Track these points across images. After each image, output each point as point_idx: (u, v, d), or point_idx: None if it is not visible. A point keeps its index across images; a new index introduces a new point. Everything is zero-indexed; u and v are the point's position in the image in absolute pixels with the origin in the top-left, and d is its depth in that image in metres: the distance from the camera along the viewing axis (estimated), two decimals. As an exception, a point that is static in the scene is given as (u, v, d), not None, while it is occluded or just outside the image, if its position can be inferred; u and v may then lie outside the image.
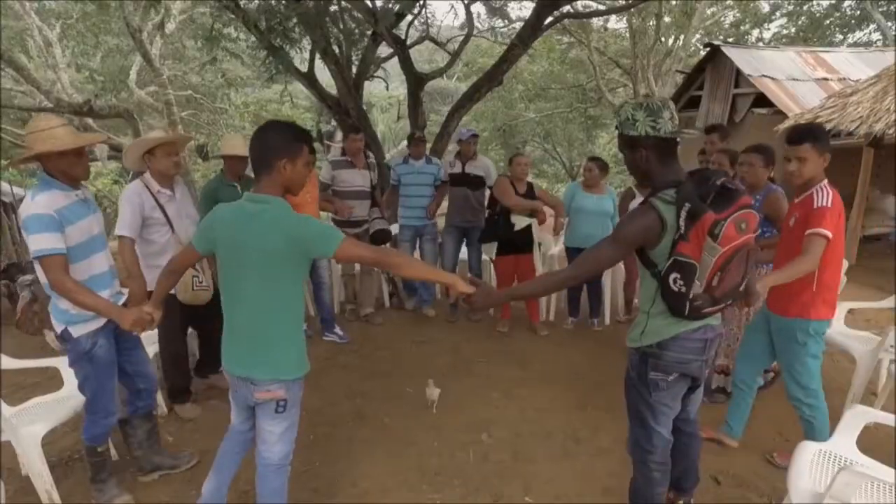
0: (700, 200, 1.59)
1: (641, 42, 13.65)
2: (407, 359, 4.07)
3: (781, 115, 7.80)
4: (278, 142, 1.76)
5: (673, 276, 1.65)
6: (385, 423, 3.13)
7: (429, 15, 7.59)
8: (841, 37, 18.21)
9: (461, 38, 9.22)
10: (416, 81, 6.76)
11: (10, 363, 2.79)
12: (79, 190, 2.23)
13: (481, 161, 4.69)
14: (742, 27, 17.79)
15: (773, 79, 8.57)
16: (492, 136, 19.83)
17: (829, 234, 2.19)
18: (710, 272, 1.60)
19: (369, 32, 6.35)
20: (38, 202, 2.04)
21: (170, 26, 11.44)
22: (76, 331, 2.21)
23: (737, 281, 1.68)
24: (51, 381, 3.09)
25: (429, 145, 7.09)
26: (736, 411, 2.79)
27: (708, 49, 9.53)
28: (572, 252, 4.46)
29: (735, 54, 8.95)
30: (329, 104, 6.94)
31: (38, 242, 2.01)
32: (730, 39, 13.36)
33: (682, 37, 13.77)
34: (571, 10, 5.86)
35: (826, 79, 8.89)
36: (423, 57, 18.99)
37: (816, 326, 2.37)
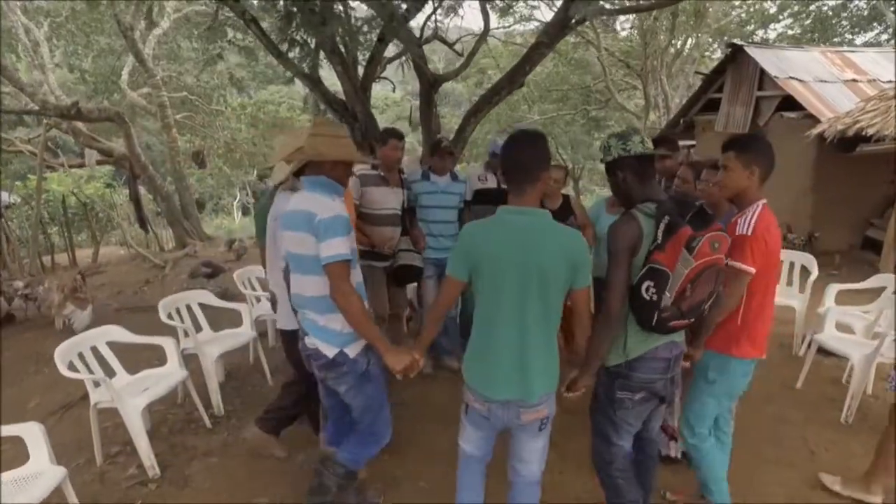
0: (680, 215, 1.74)
1: (654, 42, 13.21)
2: (440, 403, 3.45)
3: (812, 120, 7.38)
4: (542, 153, 1.79)
5: (646, 283, 1.71)
6: (421, 487, 2.66)
7: (443, 9, 7.10)
8: (850, 37, 17.89)
9: (466, 38, 8.77)
10: (429, 83, 6.29)
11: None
12: None
13: None
14: (747, 27, 17.41)
15: (800, 80, 8.14)
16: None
17: (752, 270, 1.97)
18: (681, 283, 1.66)
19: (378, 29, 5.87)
20: (339, 203, 1.99)
21: (164, 24, 10.92)
22: (352, 350, 2.06)
23: (703, 297, 1.74)
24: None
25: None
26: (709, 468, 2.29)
27: (730, 50, 9.06)
28: (596, 282, 3.81)
29: (759, 55, 8.52)
30: (335, 107, 6.44)
31: (340, 246, 1.91)
32: (734, 39, 12.95)
33: (695, 36, 13.35)
34: (605, 7, 5.36)
35: (855, 80, 8.47)
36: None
37: (736, 366, 2.10)
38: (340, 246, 1.90)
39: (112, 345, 3.13)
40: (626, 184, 1.87)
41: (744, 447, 2.96)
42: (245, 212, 23.02)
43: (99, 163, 10.64)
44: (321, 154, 2.03)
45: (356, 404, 2.13)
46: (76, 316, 5.47)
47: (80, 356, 2.89)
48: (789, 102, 7.96)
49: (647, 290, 1.70)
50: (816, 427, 3.12)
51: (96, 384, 2.84)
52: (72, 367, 2.77)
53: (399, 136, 3.50)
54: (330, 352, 2.02)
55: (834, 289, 3.96)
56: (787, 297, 4.31)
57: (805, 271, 4.29)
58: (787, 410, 3.33)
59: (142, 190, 11.28)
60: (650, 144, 1.86)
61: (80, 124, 9.74)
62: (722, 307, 1.99)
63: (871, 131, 6.10)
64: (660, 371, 1.87)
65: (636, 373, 1.85)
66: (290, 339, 2.47)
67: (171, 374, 3.13)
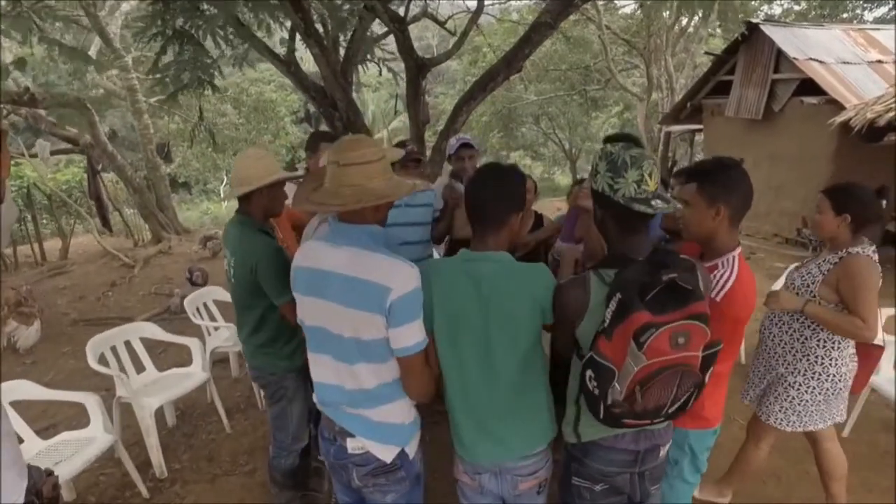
0: (638, 293, 1.22)
1: (658, 19, 12.45)
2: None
3: (835, 106, 6.78)
4: (514, 192, 1.52)
5: (588, 373, 1.34)
6: None
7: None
8: (860, 13, 17.10)
9: (459, 16, 8.07)
10: (416, 67, 5.62)
11: None
12: None
13: None
14: (752, 2, 16.59)
15: (820, 62, 7.49)
16: (493, 122, 18.69)
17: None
18: (629, 382, 1.22)
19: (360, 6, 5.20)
20: (410, 266, 1.44)
21: (131, 2, 10.06)
22: (412, 448, 1.60)
23: (662, 402, 1.29)
24: None
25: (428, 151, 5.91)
26: None
27: (745, 28, 8.37)
28: None
29: (776, 33, 7.85)
30: (312, 94, 5.79)
31: (420, 330, 1.46)
32: (741, 16, 12.20)
33: (701, 13, 12.59)
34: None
35: (880, 61, 7.83)
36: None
37: (695, 439, 1.75)
38: (420, 330, 1.46)
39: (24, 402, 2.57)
40: (604, 226, 1.46)
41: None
42: (233, 195, 22.31)
43: (59, 152, 9.88)
44: (384, 195, 1.44)
45: None
46: (21, 333, 4.89)
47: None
48: (808, 86, 7.34)
49: (590, 380, 1.34)
50: (877, 497, 2.61)
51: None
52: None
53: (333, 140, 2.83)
54: (388, 454, 1.52)
55: (884, 314, 3.40)
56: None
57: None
58: (837, 470, 2.81)
59: (114, 178, 10.58)
60: (650, 185, 1.32)
61: (44, 112, 8.98)
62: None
63: (905, 121, 5.53)
64: (621, 464, 1.50)
65: (591, 461, 1.52)
66: None
67: (93, 439, 2.55)
